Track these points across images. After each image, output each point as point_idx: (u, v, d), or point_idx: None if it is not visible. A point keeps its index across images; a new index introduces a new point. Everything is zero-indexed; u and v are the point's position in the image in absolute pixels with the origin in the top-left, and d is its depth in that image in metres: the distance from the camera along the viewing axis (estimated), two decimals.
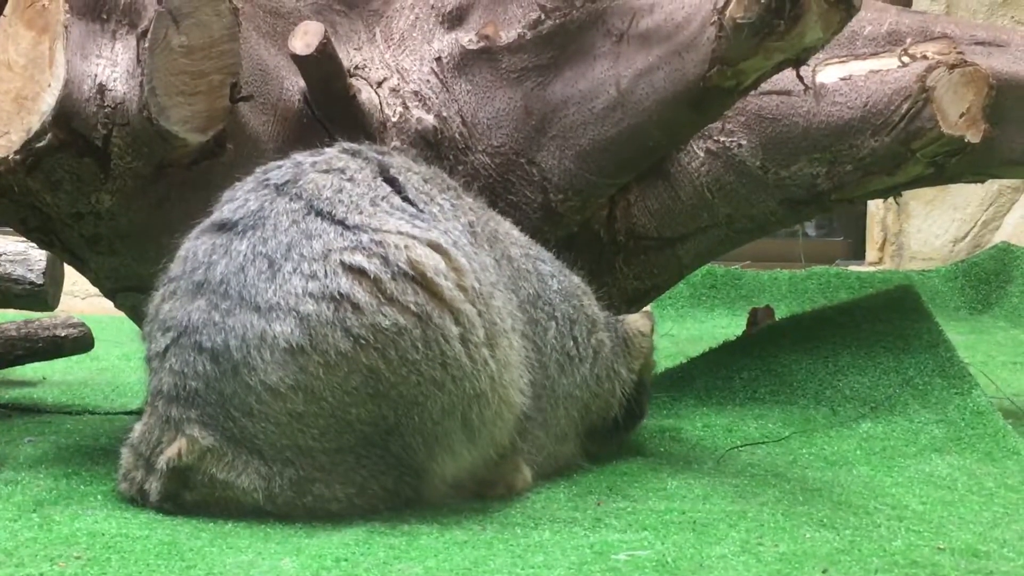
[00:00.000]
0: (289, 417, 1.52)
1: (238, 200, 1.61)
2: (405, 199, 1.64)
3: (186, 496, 1.56)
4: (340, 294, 1.51)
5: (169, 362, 1.57)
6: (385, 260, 1.53)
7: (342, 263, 1.52)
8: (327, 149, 1.69)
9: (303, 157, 1.66)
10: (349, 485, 1.56)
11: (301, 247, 1.54)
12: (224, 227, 1.58)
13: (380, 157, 1.70)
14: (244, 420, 1.53)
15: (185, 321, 1.55)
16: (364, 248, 1.54)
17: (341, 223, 1.56)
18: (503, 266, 1.73)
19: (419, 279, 1.54)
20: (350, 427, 1.54)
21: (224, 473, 1.54)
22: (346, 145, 1.71)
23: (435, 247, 1.57)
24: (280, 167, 1.64)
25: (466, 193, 1.79)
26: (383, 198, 1.61)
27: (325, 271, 1.52)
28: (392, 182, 1.65)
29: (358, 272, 1.52)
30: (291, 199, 1.59)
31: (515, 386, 1.65)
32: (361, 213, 1.58)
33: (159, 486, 1.57)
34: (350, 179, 1.63)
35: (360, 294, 1.51)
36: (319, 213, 1.57)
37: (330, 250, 1.53)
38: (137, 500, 1.62)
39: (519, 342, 1.68)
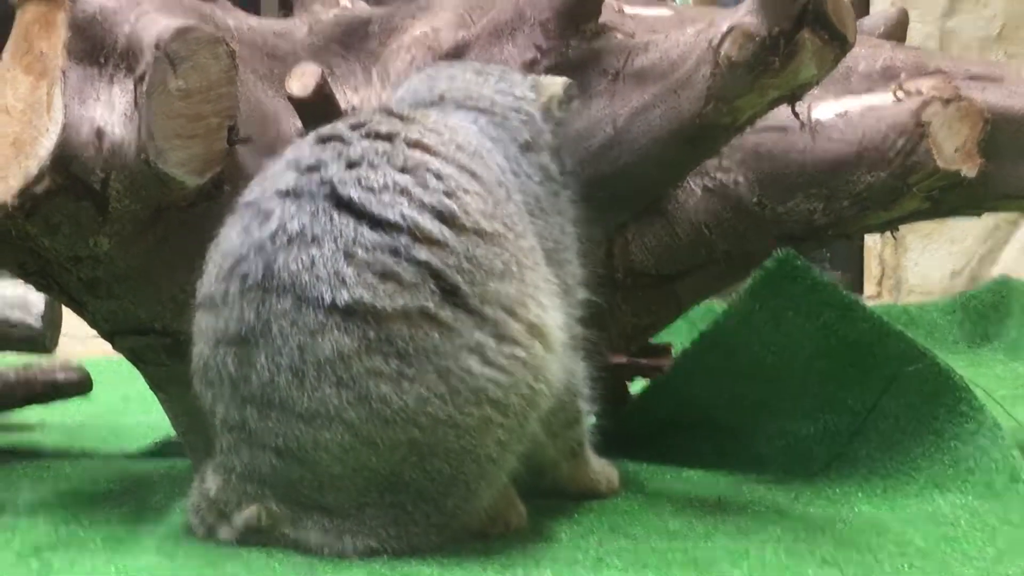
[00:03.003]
0: (354, 490, 1.56)
1: (234, 308, 1.56)
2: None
3: (258, 540, 1.61)
4: (371, 395, 1.51)
5: (239, 454, 1.59)
6: (397, 351, 1.51)
7: (365, 369, 1.51)
8: (275, 212, 1.58)
9: (257, 229, 1.58)
10: (398, 530, 1.58)
11: (314, 351, 1.51)
12: (238, 341, 1.56)
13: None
14: (314, 494, 1.57)
15: (243, 425, 1.57)
16: (374, 346, 1.51)
17: (336, 311, 1.51)
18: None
19: (428, 347, 1.52)
20: (407, 486, 1.56)
21: (295, 532, 1.59)
22: (309, 176, 1.61)
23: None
24: (245, 255, 1.57)
25: None
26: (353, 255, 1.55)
27: (352, 377, 1.51)
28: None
29: (378, 374, 1.51)
30: (278, 295, 1.53)
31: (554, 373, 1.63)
32: (345, 288, 1.52)
33: (234, 535, 1.62)
34: (314, 240, 1.55)
35: (385, 387, 1.51)
36: (310, 304, 1.52)
37: (344, 354, 1.51)
38: (202, 535, 1.66)
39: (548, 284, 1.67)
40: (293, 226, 1.55)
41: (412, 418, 1.51)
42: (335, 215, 1.55)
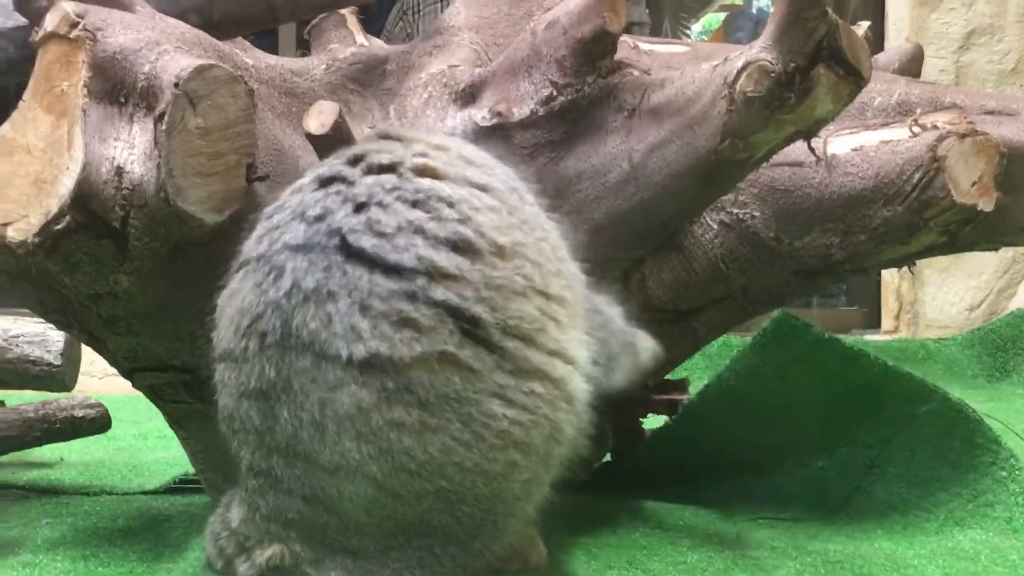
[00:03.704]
0: (381, 534, 1.54)
1: (254, 364, 1.55)
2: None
3: None
4: (393, 448, 1.49)
5: (265, 498, 1.58)
6: (418, 400, 1.49)
7: (385, 421, 1.49)
8: (287, 268, 1.55)
9: (271, 287, 1.55)
10: (424, 571, 1.56)
11: (333, 405, 1.50)
12: (260, 396, 1.55)
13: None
14: (340, 538, 1.55)
15: (270, 472, 1.56)
16: (394, 397, 1.49)
17: (353, 366, 1.49)
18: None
19: (450, 393, 1.51)
20: (436, 529, 1.55)
21: (317, 572, 1.57)
22: (318, 226, 1.58)
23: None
24: (261, 313, 1.55)
25: None
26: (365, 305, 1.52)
27: (372, 430, 1.49)
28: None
29: (399, 426, 1.49)
30: (297, 353, 1.52)
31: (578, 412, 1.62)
32: (361, 342, 1.50)
33: (254, 571, 1.60)
34: (329, 295, 1.52)
35: (407, 440, 1.49)
36: (329, 360, 1.50)
37: (363, 408, 1.49)
38: (219, 567, 1.66)
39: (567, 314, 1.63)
40: (308, 283, 1.52)
41: (438, 469, 1.50)
42: (348, 268, 1.52)
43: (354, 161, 1.65)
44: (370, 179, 1.60)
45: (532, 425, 1.54)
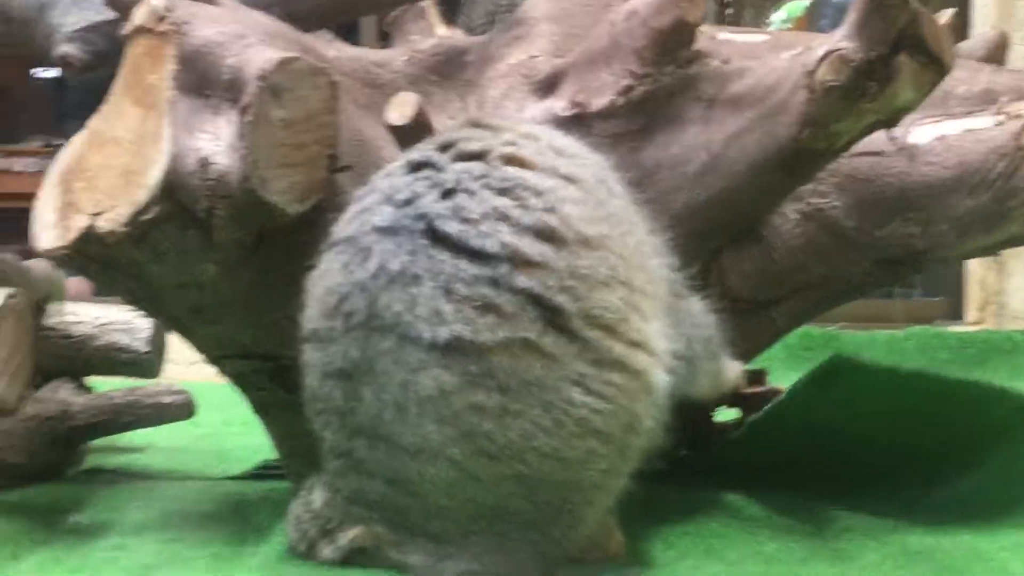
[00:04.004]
0: (461, 519, 1.55)
1: (339, 344, 1.57)
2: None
3: (360, 561, 1.62)
4: (476, 433, 1.50)
5: (347, 479, 1.61)
6: (499, 385, 1.50)
7: (466, 405, 1.50)
8: (374, 250, 1.58)
9: (359, 268, 1.58)
10: (502, 557, 1.57)
11: (415, 387, 1.51)
12: (344, 376, 1.57)
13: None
14: (421, 521, 1.57)
15: (353, 454, 1.58)
16: (476, 381, 1.50)
17: (436, 349, 1.50)
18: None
19: (531, 379, 1.51)
20: (515, 515, 1.55)
21: (399, 555, 1.59)
22: (406, 210, 1.60)
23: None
24: (348, 293, 1.57)
25: None
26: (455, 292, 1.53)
27: (454, 414, 1.50)
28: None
29: (480, 409, 1.50)
30: (381, 335, 1.53)
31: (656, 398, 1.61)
32: (444, 325, 1.51)
33: (337, 554, 1.63)
34: (414, 278, 1.54)
35: (488, 424, 1.50)
36: (412, 342, 1.51)
37: (445, 391, 1.50)
38: (302, 550, 1.68)
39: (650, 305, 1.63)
40: (394, 266, 1.54)
41: (517, 454, 1.50)
42: (433, 252, 1.54)
43: (444, 148, 1.66)
44: (459, 166, 1.62)
45: (611, 414, 1.55)
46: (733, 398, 2.27)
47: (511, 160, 1.63)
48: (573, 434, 1.52)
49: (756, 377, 2.35)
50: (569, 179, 1.63)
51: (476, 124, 1.75)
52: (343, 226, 1.65)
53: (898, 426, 2.09)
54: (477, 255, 1.54)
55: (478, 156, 1.64)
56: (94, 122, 1.83)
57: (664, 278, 1.71)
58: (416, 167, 1.65)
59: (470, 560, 1.57)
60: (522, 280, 1.53)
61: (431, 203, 1.59)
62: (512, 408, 1.50)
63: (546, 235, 1.56)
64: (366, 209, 1.64)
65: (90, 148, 1.80)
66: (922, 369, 2.07)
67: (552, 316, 1.53)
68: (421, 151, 1.69)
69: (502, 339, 1.51)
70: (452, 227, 1.56)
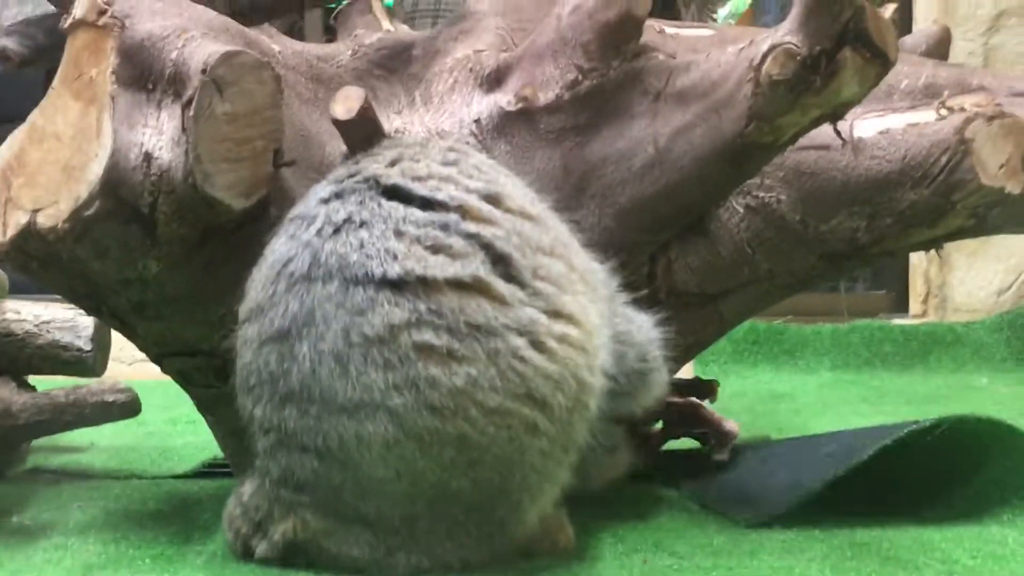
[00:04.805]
0: (399, 496, 1.53)
1: (279, 305, 1.57)
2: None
3: (294, 558, 1.60)
4: (420, 378, 1.49)
5: (276, 458, 1.58)
6: (448, 326, 1.50)
7: (413, 344, 1.49)
8: (320, 214, 1.61)
9: (303, 232, 1.60)
10: (451, 547, 1.57)
11: (360, 328, 1.50)
12: (281, 336, 1.56)
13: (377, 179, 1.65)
14: (356, 502, 1.55)
15: (282, 426, 1.56)
16: (424, 319, 1.50)
17: (387, 285, 1.52)
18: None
19: (479, 322, 1.52)
20: (455, 497, 1.54)
21: (336, 547, 1.57)
22: (350, 180, 1.65)
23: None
24: (293, 255, 1.58)
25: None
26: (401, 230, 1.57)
27: (400, 356, 1.49)
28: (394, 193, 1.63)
29: (427, 350, 1.50)
30: (323, 282, 1.54)
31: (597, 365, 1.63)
32: (396, 261, 1.53)
33: (269, 550, 1.62)
34: (362, 224, 1.57)
35: (434, 368, 1.49)
36: (359, 282, 1.53)
37: (394, 328, 1.50)
38: (238, 550, 1.67)
39: (587, 293, 1.66)
40: (339, 216, 1.58)
41: (461, 408, 1.49)
42: (382, 201, 1.58)
43: (386, 146, 1.74)
44: (400, 148, 1.70)
45: (558, 380, 1.55)
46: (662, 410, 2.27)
47: (451, 149, 1.71)
48: (517, 394, 1.52)
49: (708, 389, 2.34)
50: (504, 172, 1.72)
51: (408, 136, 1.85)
52: (289, 214, 1.68)
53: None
54: (427, 203, 1.58)
55: (419, 144, 1.72)
56: (33, 116, 1.80)
57: (601, 281, 1.73)
58: (356, 160, 1.71)
59: (419, 553, 1.56)
60: (471, 227, 1.56)
61: (377, 168, 1.64)
62: (458, 352, 1.50)
63: (492, 199, 1.61)
64: (311, 193, 1.68)
65: (30, 143, 1.78)
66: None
67: (502, 262, 1.56)
68: (356, 158, 1.74)
69: (452, 275, 1.52)
70: (400, 180, 1.61)
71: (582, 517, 1.78)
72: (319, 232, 1.58)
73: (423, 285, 1.51)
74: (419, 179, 1.61)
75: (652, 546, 1.78)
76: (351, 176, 1.65)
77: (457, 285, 1.52)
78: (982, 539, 1.80)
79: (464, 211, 1.58)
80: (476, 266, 1.53)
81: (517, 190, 1.67)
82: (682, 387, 2.25)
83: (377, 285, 1.52)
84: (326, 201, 1.63)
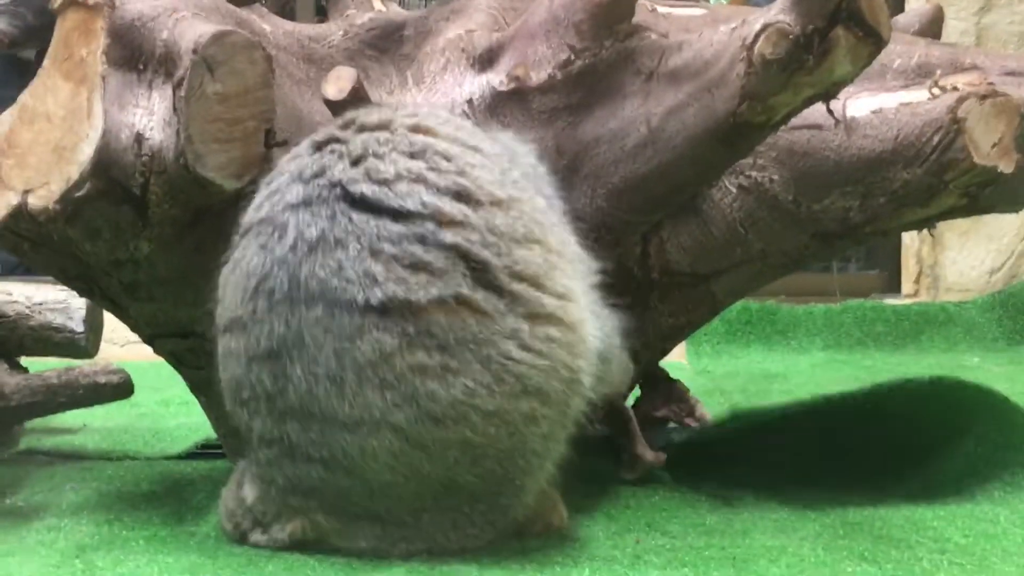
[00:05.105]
0: (407, 495, 1.55)
1: (263, 324, 1.55)
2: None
3: (298, 550, 1.60)
4: (419, 395, 1.50)
5: (281, 468, 1.58)
6: (439, 344, 1.50)
7: (408, 366, 1.49)
8: (290, 224, 1.57)
9: (276, 244, 1.57)
10: (455, 536, 1.58)
11: (352, 356, 1.50)
12: (271, 356, 1.55)
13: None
14: (365, 502, 1.56)
15: (286, 440, 1.56)
16: (415, 341, 1.50)
17: (372, 311, 1.50)
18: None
19: (468, 336, 1.52)
20: (461, 491, 1.56)
21: (344, 542, 1.58)
22: (316, 182, 1.60)
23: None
24: (268, 272, 1.56)
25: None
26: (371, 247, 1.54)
27: (396, 377, 1.49)
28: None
29: (422, 370, 1.50)
30: (307, 305, 1.52)
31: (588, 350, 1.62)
32: (377, 286, 1.51)
33: (271, 544, 1.62)
34: (337, 243, 1.54)
35: (431, 384, 1.50)
36: (343, 308, 1.51)
37: (385, 354, 1.49)
38: (235, 540, 1.67)
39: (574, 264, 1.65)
40: (312, 233, 1.54)
41: (462, 416, 1.50)
42: (353, 215, 1.54)
43: (346, 125, 1.67)
44: (364, 136, 1.63)
45: (549, 371, 1.55)
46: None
47: (416, 129, 1.64)
48: (513, 393, 1.53)
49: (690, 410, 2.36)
50: (473, 148, 1.65)
51: (376, 104, 1.76)
52: (252, 212, 1.64)
53: (827, 420, 2.12)
54: (399, 214, 1.54)
55: (383, 127, 1.65)
56: (24, 97, 1.79)
57: (577, 252, 1.72)
58: (320, 145, 1.65)
59: (421, 540, 1.57)
60: (448, 236, 1.53)
61: (342, 171, 1.59)
62: (453, 366, 1.50)
63: (463, 196, 1.57)
64: (275, 191, 1.62)
65: (20, 124, 1.77)
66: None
67: (480, 272, 1.54)
68: (323, 131, 1.69)
69: (436, 296, 1.51)
70: (368, 189, 1.56)
71: (575, 498, 1.78)
72: (293, 248, 1.55)
73: (408, 308, 1.50)
74: (386, 183, 1.56)
75: (645, 526, 1.78)
76: (316, 176, 1.59)
77: (441, 304, 1.51)
78: (974, 517, 1.80)
79: (438, 217, 1.54)
80: (458, 282, 1.52)
81: (484, 170, 1.62)
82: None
83: (362, 311, 1.50)
84: (295, 207, 1.57)
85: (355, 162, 1.59)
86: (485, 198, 1.58)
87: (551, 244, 1.63)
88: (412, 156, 1.60)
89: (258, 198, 1.64)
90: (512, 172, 1.67)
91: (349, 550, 1.58)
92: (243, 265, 1.60)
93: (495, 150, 1.69)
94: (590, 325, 1.63)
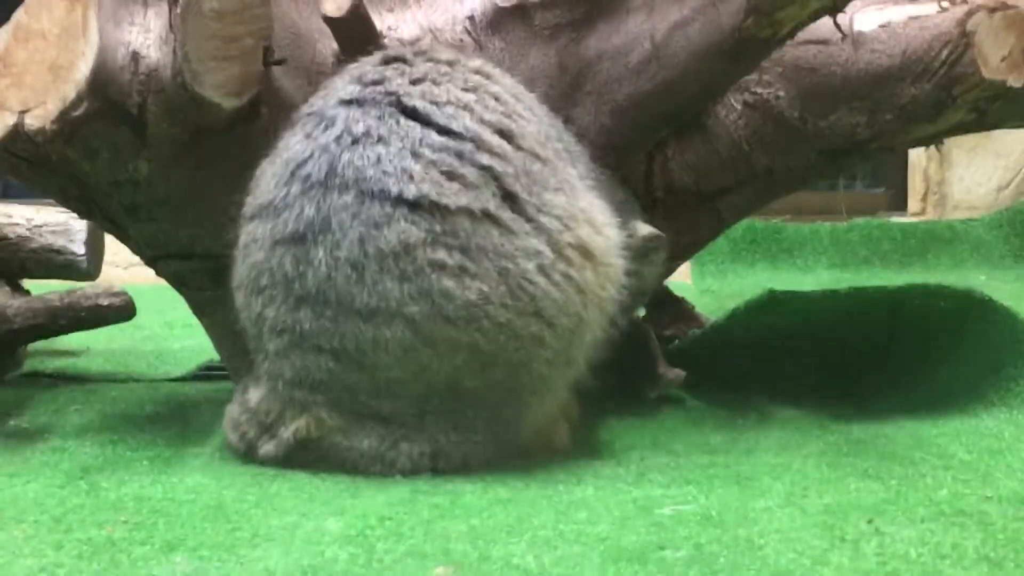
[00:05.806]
0: (413, 395, 1.58)
1: (293, 208, 1.58)
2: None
3: (303, 456, 1.62)
4: (434, 291, 1.53)
5: (289, 359, 1.60)
6: (461, 245, 1.54)
7: (428, 261, 1.53)
8: (339, 118, 1.62)
9: (320, 134, 1.61)
10: (456, 439, 1.60)
11: (376, 241, 1.53)
12: (297, 239, 1.57)
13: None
14: (371, 400, 1.58)
15: (297, 328, 1.58)
16: (439, 239, 1.54)
17: (404, 203, 1.54)
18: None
19: (490, 246, 1.56)
20: (467, 395, 1.58)
21: (348, 441, 1.60)
22: (373, 88, 1.65)
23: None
24: (308, 157, 1.59)
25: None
26: (419, 152, 1.59)
27: (416, 269, 1.53)
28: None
29: (442, 267, 1.53)
30: (339, 192, 1.56)
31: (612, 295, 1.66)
32: (412, 182, 1.55)
33: (279, 450, 1.63)
34: (380, 140, 1.58)
35: (448, 282, 1.53)
36: (375, 197, 1.55)
37: (410, 245, 1.53)
38: (241, 451, 1.68)
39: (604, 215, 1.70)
40: (358, 128, 1.59)
41: (473, 319, 1.53)
42: (400, 119, 1.60)
43: (418, 52, 1.73)
44: (429, 64, 1.69)
45: (563, 306, 1.59)
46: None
47: (477, 71, 1.71)
48: (526, 312, 1.56)
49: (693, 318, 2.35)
50: (525, 103, 1.71)
51: (448, 45, 1.84)
52: (304, 108, 1.68)
53: (833, 338, 2.12)
54: (443, 130, 1.60)
55: (448, 63, 1.70)
56: (18, 15, 1.76)
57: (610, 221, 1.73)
58: (388, 60, 1.70)
59: (425, 442, 1.59)
60: (484, 158, 1.59)
61: (399, 84, 1.64)
62: (471, 269, 1.54)
63: (505, 134, 1.62)
64: (331, 89, 1.67)
65: (15, 43, 1.74)
66: (852, 289, 2.10)
67: (510, 198, 1.59)
68: (396, 50, 1.75)
69: (465, 205, 1.56)
70: (420, 103, 1.62)
71: (579, 418, 1.78)
72: (338, 139, 1.59)
73: (437, 208, 1.54)
74: (437, 104, 1.62)
75: (650, 444, 1.78)
76: (375, 83, 1.65)
77: (469, 213, 1.55)
78: (978, 433, 1.80)
79: (478, 142, 1.60)
80: (487, 198, 1.57)
81: (531, 126, 1.67)
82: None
83: (394, 202, 1.54)
84: (347, 104, 1.62)
85: (414, 82, 1.65)
86: (526, 146, 1.64)
87: (582, 202, 1.67)
88: (466, 90, 1.66)
89: (314, 96, 1.70)
90: (555, 143, 1.72)
91: (358, 455, 1.59)
92: (283, 154, 1.64)
93: (546, 118, 1.75)
94: (616, 254, 1.67)
